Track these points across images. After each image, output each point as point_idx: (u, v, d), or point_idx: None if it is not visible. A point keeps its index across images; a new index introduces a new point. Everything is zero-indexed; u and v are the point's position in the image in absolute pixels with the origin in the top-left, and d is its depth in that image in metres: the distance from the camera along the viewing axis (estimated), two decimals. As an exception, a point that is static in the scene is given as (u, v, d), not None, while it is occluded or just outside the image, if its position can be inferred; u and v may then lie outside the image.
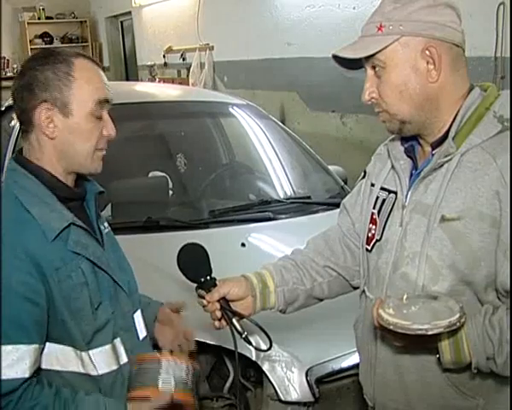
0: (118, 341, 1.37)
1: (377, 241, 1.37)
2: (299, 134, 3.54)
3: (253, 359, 1.83)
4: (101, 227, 1.44)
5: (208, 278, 1.43)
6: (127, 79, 8.92)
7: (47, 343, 1.26)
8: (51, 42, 9.38)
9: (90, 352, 1.31)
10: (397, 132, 1.33)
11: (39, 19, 9.27)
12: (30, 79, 1.30)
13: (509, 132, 1.21)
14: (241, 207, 2.75)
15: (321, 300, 1.56)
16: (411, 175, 1.34)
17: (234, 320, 1.42)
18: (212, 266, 1.45)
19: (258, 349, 1.61)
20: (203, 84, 6.44)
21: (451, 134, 1.24)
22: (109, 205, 2.65)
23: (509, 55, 3.37)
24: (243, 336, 1.42)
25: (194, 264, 1.45)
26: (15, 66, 9.21)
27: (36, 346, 1.23)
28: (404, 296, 1.22)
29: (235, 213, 2.67)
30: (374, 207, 1.40)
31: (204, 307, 1.44)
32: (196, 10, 6.55)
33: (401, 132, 1.32)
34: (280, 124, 3.56)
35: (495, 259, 1.20)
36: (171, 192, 2.99)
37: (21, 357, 1.20)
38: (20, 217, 1.26)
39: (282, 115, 5.49)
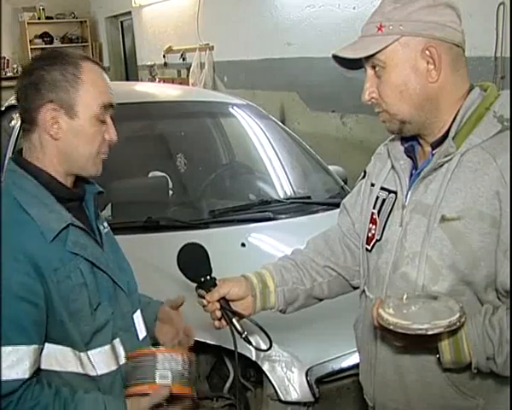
0: (117, 341, 1.37)
1: (377, 241, 1.37)
2: (299, 134, 3.54)
3: (253, 359, 1.83)
4: (101, 227, 1.44)
5: (208, 277, 1.43)
6: (127, 79, 8.93)
7: (46, 344, 1.26)
8: (51, 42, 9.38)
9: (89, 352, 1.31)
10: (397, 132, 1.33)
11: (39, 19, 9.28)
12: (37, 79, 1.29)
13: (508, 132, 1.21)
14: (241, 207, 2.75)
15: (321, 300, 1.56)
16: (411, 175, 1.34)
17: (234, 320, 1.42)
18: (212, 266, 1.45)
19: (258, 349, 1.61)
20: (203, 84, 6.44)
21: (451, 134, 1.24)
22: (109, 205, 2.65)
23: (509, 55, 3.37)
24: (243, 336, 1.42)
25: (194, 264, 1.45)
26: (15, 66, 9.22)
27: (35, 347, 1.23)
28: (404, 296, 1.22)
29: (235, 213, 2.67)
30: (374, 207, 1.40)
31: (204, 306, 1.44)
32: (196, 10, 6.55)
33: (401, 132, 1.32)
34: (280, 124, 3.56)
35: (495, 259, 1.20)
36: (171, 192, 2.99)
37: (21, 358, 1.20)
38: (18, 218, 1.26)
39: (282, 115, 5.49)
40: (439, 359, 1.23)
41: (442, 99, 1.25)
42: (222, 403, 1.93)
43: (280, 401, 1.81)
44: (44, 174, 1.32)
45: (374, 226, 1.39)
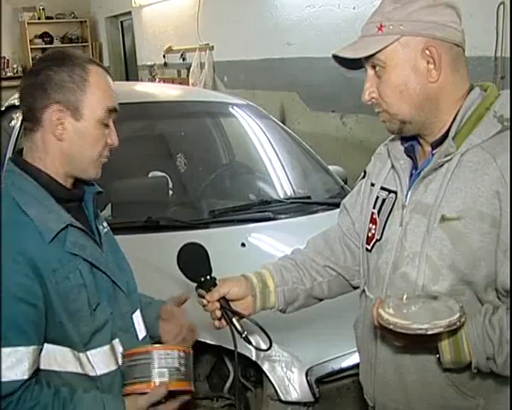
0: (116, 341, 1.37)
1: (377, 241, 1.37)
2: (299, 134, 3.54)
3: (253, 359, 1.83)
4: (100, 227, 1.44)
5: (208, 277, 1.43)
6: (127, 79, 8.93)
7: (45, 344, 1.26)
8: (51, 42, 9.39)
9: (88, 353, 1.31)
10: (397, 132, 1.33)
11: (39, 19, 9.28)
12: (44, 79, 1.29)
13: (508, 132, 1.21)
14: (241, 207, 2.75)
15: (321, 299, 1.56)
16: (411, 175, 1.34)
17: (234, 320, 1.42)
18: (212, 266, 1.45)
19: (258, 349, 1.61)
20: (203, 84, 6.44)
21: (451, 134, 1.24)
22: (109, 205, 2.65)
23: (509, 55, 3.37)
24: (243, 335, 1.42)
25: (194, 263, 1.45)
26: (15, 66, 9.22)
27: (34, 347, 1.23)
28: (404, 296, 1.22)
29: (235, 213, 2.67)
30: (374, 207, 1.40)
31: (204, 306, 1.44)
32: (196, 10, 6.55)
33: (401, 132, 1.32)
34: (280, 124, 3.56)
35: (495, 259, 1.19)
36: (171, 192, 2.99)
37: (20, 359, 1.20)
38: (17, 219, 1.26)
39: (282, 115, 5.49)
40: (439, 359, 1.23)
41: (442, 99, 1.25)
42: (222, 403, 1.93)
43: (280, 400, 1.81)
44: (44, 175, 1.32)
45: (374, 226, 1.39)
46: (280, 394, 1.80)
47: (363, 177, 1.52)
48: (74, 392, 1.26)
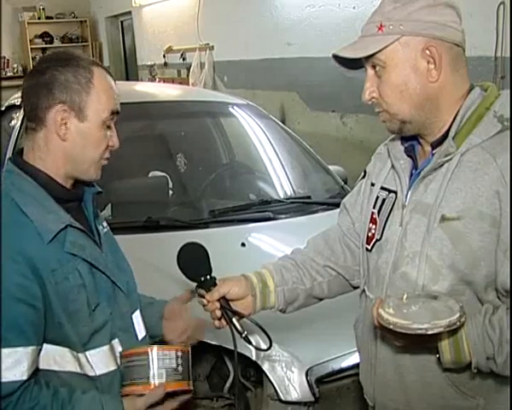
0: (116, 341, 1.37)
1: (377, 240, 1.37)
2: (299, 134, 3.54)
3: (253, 358, 1.83)
4: (100, 227, 1.44)
5: (208, 277, 1.43)
6: (127, 79, 8.92)
7: (44, 345, 1.26)
8: (51, 42, 9.39)
9: (88, 353, 1.31)
10: (397, 132, 1.33)
11: (39, 19, 9.28)
12: (49, 78, 1.29)
13: (508, 132, 1.21)
14: (241, 207, 2.75)
15: (321, 299, 1.56)
16: (411, 175, 1.34)
17: (234, 320, 1.42)
18: (212, 265, 1.45)
19: (258, 349, 1.61)
20: (203, 84, 6.44)
21: (451, 134, 1.24)
22: (109, 205, 2.65)
23: (509, 55, 3.37)
24: (243, 335, 1.42)
25: (194, 263, 1.45)
26: (15, 66, 9.22)
27: (33, 348, 1.23)
28: (404, 296, 1.22)
29: (235, 213, 2.67)
30: (374, 207, 1.40)
31: (204, 306, 1.44)
32: (196, 10, 6.55)
33: (401, 132, 1.32)
34: (280, 124, 3.55)
35: (495, 258, 1.19)
36: (171, 192, 2.99)
37: (19, 360, 1.20)
38: (16, 219, 1.25)
39: (282, 115, 5.49)
40: (439, 359, 1.23)
41: (442, 99, 1.25)
42: (222, 403, 1.93)
43: (280, 400, 1.81)
44: (43, 175, 1.32)
45: (374, 226, 1.39)
46: (280, 394, 1.80)
47: (364, 177, 1.52)
48: (73, 393, 1.26)
